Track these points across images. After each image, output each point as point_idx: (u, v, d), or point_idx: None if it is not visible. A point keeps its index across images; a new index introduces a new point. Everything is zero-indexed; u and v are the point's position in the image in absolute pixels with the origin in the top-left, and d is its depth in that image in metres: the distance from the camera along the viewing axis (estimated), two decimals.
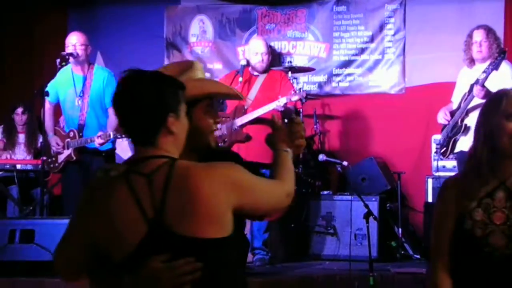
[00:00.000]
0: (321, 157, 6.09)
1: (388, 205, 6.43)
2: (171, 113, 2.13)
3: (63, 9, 8.04)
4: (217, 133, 2.75)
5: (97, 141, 5.86)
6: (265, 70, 6.19)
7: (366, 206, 5.18)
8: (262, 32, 7.58)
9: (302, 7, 7.55)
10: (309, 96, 6.85)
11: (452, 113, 5.82)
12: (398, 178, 6.44)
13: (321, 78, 7.47)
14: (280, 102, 5.78)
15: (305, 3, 7.53)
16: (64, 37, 6.23)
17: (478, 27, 5.81)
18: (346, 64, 7.43)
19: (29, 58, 7.96)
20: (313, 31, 7.52)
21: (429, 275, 2.53)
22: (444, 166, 6.52)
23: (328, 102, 7.44)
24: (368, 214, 5.08)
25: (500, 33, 6.32)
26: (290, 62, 7.39)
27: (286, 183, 2.27)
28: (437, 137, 6.25)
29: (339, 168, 6.24)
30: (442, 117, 5.87)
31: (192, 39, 7.80)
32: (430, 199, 6.47)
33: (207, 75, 7.27)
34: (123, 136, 5.82)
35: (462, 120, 5.69)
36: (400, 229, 6.26)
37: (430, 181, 6.54)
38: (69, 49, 6.04)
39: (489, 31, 5.77)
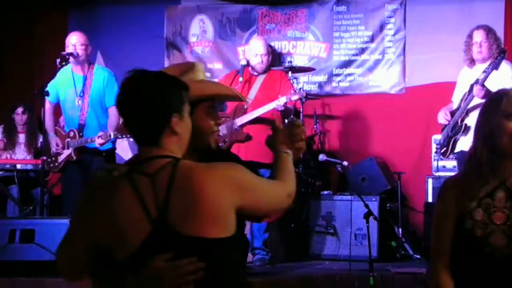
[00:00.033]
0: (321, 157, 6.09)
1: (388, 205, 6.42)
2: (175, 113, 2.14)
3: (63, 9, 8.04)
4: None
5: (98, 141, 5.86)
6: (265, 70, 6.19)
7: (366, 206, 5.18)
8: (262, 32, 7.58)
9: (302, 7, 7.55)
10: (309, 96, 6.86)
11: (452, 113, 5.81)
12: (398, 178, 6.44)
13: (321, 78, 7.47)
14: (280, 102, 5.78)
15: (305, 3, 7.53)
16: (64, 37, 6.23)
17: (478, 28, 5.80)
18: (346, 64, 7.43)
19: (29, 58, 7.96)
20: (313, 31, 7.52)
21: (430, 275, 2.53)
22: (444, 166, 6.52)
23: (328, 102, 7.44)
24: (368, 214, 5.08)
25: (500, 33, 6.31)
26: (290, 62, 7.39)
27: (287, 184, 2.29)
28: (437, 137, 6.25)
29: (339, 168, 6.24)
30: (442, 117, 5.86)
31: (192, 39, 7.80)
32: (430, 199, 6.47)
33: (207, 75, 7.28)
34: (124, 136, 5.83)
35: (462, 120, 5.69)
36: (400, 229, 6.26)
37: (430, 181, 6.54)
38: (69, 49, 6.04)
39: (489, 32, 5.77)
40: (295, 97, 5.85)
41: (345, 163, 6.04)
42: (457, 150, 5.74)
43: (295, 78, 6.95)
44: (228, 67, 7.49)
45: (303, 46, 7.55)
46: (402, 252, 6.20)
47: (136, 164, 2.14)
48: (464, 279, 2.45)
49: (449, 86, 6.20)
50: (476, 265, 2.42)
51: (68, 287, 5.03)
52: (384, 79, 7.33)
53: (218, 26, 7.73)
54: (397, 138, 7.14)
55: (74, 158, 6.04)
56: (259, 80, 6.12)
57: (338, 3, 7.44)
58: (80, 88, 6.04)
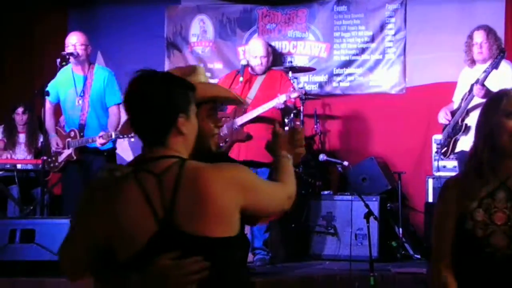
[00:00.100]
0: (322, 157, 6.09)
1: (388, 205, 6.42)
2: (181, 113, 2.16)
3: (63, 9, 8.04)
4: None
5: (99, 141, 5.85)
6: (266, 70, 6.18)
7: (367, 206, 5.18)
8: (262, 32, 7.58)
9: (302, 7, 7.55)
10: (309, 96, 6.86)
11: (453, 113, 5.81)
12: (399, 178, 6.44)
13: (322, 78, 7.47)
14: (280, 100, 5.78)
15: (306, 3, 7.53)
16: (64, 37, 6.22)
17: (478, 28, 5.80)
18: (347, 64, 7.43)
19: (30, 58, 7.96)
20: (314, 31, 7.52)
21: (433, 276, 2.53)
22: (444, 166, 6.52)
23: (328, 102, 7.44)
24: (368, 214, 5.07)
25: (500, 33, 6.31)
26: (291, 62, 7.39)
27: (288, 186, 2.32)
28: (438, 137, 6.25)
29: (339, 168, 6.24)
30: (443, 117, 5.86)
31: (193, 39, 7.80)
32: (430, 199, 6.47)
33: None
34: (125, 136, 5.83)
35: (463, 120, 5.68)
36: (400, 229, 6.26)
37: (430, 181, 6.54)
38: (69, 49, 6.04)
39: (489, 32, 5.77)
40: (294, 95, 5.84)
41: (346, 163, 6.04)
42: (457, 150, 5.73)
43: (296, 78, 6.95)
44: (229, 67, 7.48)
45: (304, 46, 7.54)
46: (403, 252, 6.20)
47: (141, 163, 2.15)
48: (465, 280, 2.45)
49: (450, 86, 6.19)
50: (477, 266, 2.42)
51: (68, 287, 5.07)
52: (385, 79, 7.33)
53: (218, 26, 7.72)
54: (398, 138, 7.14)
55: (75, 158, 6.03)
56: (259, 80, 6.12)
57: (338, 3, 7.44)
58: (80, 88, 6.04)
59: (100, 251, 2.12)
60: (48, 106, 6.13)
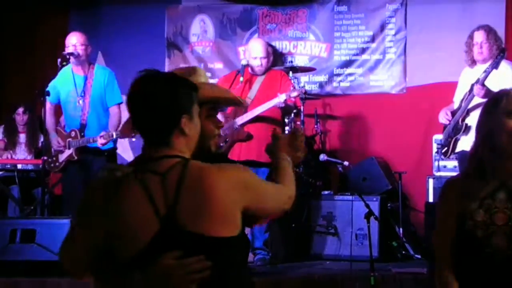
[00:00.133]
0: (322, 157, 6.09)
1: (389, 205, 6.42)
2: (185, 114, 2.16)
3: (64, 10, 8.03)
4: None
5: (100, 141, 5.85)
6: (266, 70, 6.18)
7: (367, 206, 5.18)
8: (263, 32, 7.58)
9: (303, 7, 7.55)
10: (310, 96, 6.86)
11: (453, 113, 5.81)
12: (399, 178, 6.44)
13: (322, 78, 7.47)
14: (280, 99, 5.78)
15: (306, 3, 7.53)
16: (65, 37, 6.22)
17: (478, 28, 5.80)
18: (347, 64, 7.43)
19: (30, 58, 7.96)
20: (314, 31, 7.52)
21: (436, 275, 2.53)
22: (445, 166, 6.52)
23: (329, 102, 7.44)
24: (369, 214, 5.07)
25: (501, 33, 6.31)
26: (291, 62, 7.39)
27: (288, 187, 2.33)
28: (438, 137, 6.25)
29: (340, 168, 6.24)
30: (443, 117, 5.86)
31: (193, 39, 7.80)
32: (431, 199, 6.47)
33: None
34: (125, 136, 5.83)
35: (463, 120, 5.68)
36: (401, 229, 6.26)
37: (431, 181, 6.54)
38: (69, 49, 6.04)
39: (490, 32, 5.76)
40: (294, 94, 5.84)
41: (346, 163, 6.04)
42: (458, 150, 5.73)
43: (296, 78, 6.95)
44: (229, 67, 7.49)
45: (304, 46, 7.54)
46: (403, 252, 6.19)
47: (143, 163, 2.16)
48: (466, 280, 2.45)
49: (450, 86, 6.19)
50: (477, 266, 2.42)
51: (68, 287, 5.07)
52: (385, 79, 7.33)
53: (218, 26, 7.73)
54: (398, 138, 7.14)
55: (75, 158, 6.03)
56: (259, 80, 6.12)
57: (338, 3, 7.44)
58: (81, 88, 6.04)
59: (101, 251, 2.12)
60: (48, 106, 6.12)
